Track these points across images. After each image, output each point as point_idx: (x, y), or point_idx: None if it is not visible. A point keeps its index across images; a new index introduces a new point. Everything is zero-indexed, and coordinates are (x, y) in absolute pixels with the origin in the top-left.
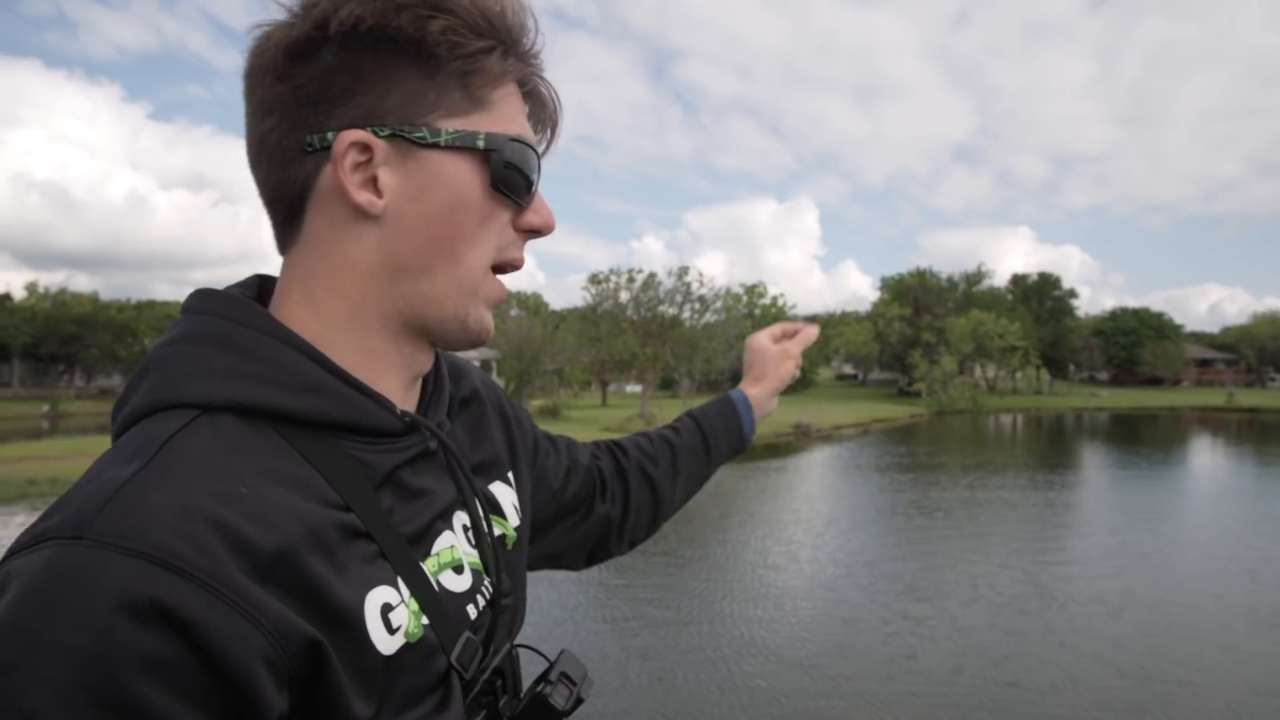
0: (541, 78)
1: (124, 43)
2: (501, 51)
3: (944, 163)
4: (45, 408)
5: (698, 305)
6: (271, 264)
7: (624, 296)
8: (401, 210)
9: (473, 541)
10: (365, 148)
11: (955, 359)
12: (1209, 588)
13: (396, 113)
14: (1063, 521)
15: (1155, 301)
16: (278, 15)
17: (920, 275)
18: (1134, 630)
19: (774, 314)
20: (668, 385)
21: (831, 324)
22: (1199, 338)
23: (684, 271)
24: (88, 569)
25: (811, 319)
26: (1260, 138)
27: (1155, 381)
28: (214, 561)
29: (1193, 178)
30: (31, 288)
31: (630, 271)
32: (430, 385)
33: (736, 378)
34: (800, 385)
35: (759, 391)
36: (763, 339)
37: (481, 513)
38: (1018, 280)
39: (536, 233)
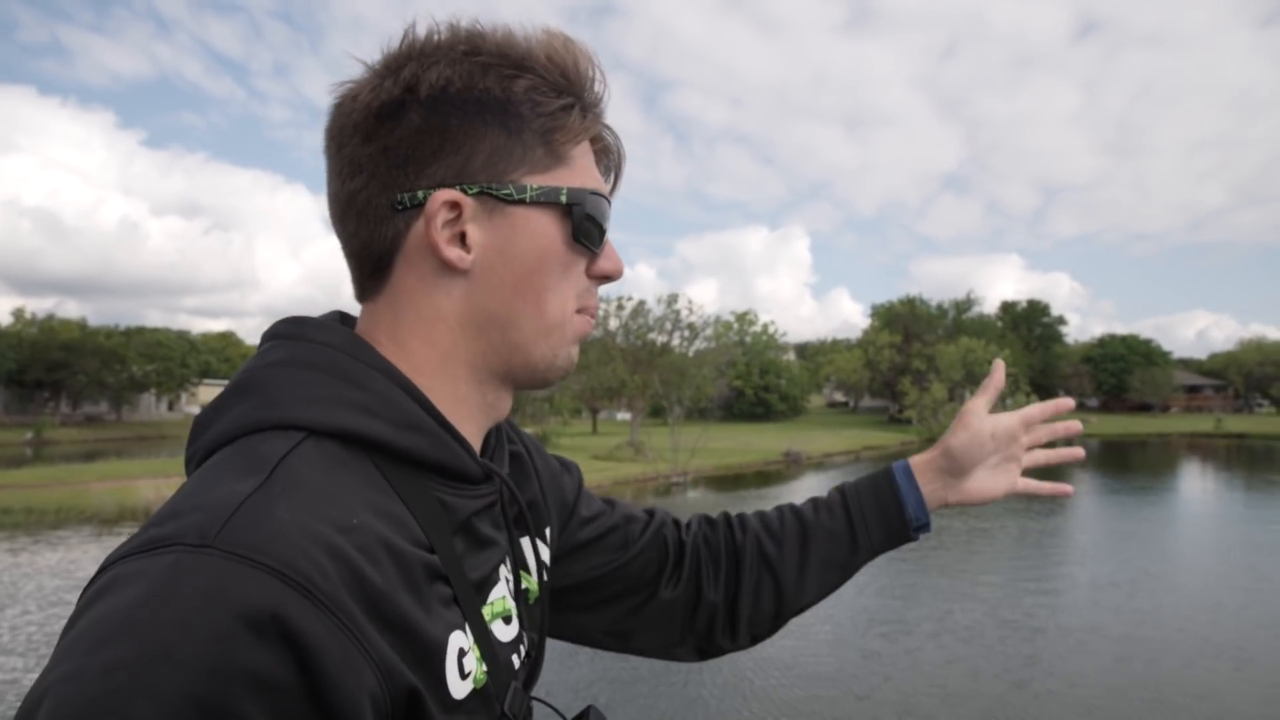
0: (609, 128)
1: (119, 70)
2: (580, 108)
3: (934, 191)
4: (29, 434)
5: (687, 333)
6: (265, 291)
7: (613, 324)
8: (489, 264)
9: (514, 593)
10: (455, 205)
11: (945, 386)
12: (1176, 621)
13: (484, 171)
14: (1041, 553)
15: (1144, 328)
16: (359, 72)
17: (910, 303)
18: (1095, 666)
19: (764, 341)
20: (657, 413)
21: (822, 351)
22: (1187, 364)
23: (674, 299)
24: (214, 579)
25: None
26: (1245, 168)
27: (1144, 408)
28: (335, 588)
29: (1179, 207)
30: (18, 313)
31: (620, 299)
32: (493, 437)
33: (727, 406)
34: (791, 413)
35: (934, 457)
36: (984, 414)
37: (526, 562)
38: (1007, 307)
39: (608, 278)
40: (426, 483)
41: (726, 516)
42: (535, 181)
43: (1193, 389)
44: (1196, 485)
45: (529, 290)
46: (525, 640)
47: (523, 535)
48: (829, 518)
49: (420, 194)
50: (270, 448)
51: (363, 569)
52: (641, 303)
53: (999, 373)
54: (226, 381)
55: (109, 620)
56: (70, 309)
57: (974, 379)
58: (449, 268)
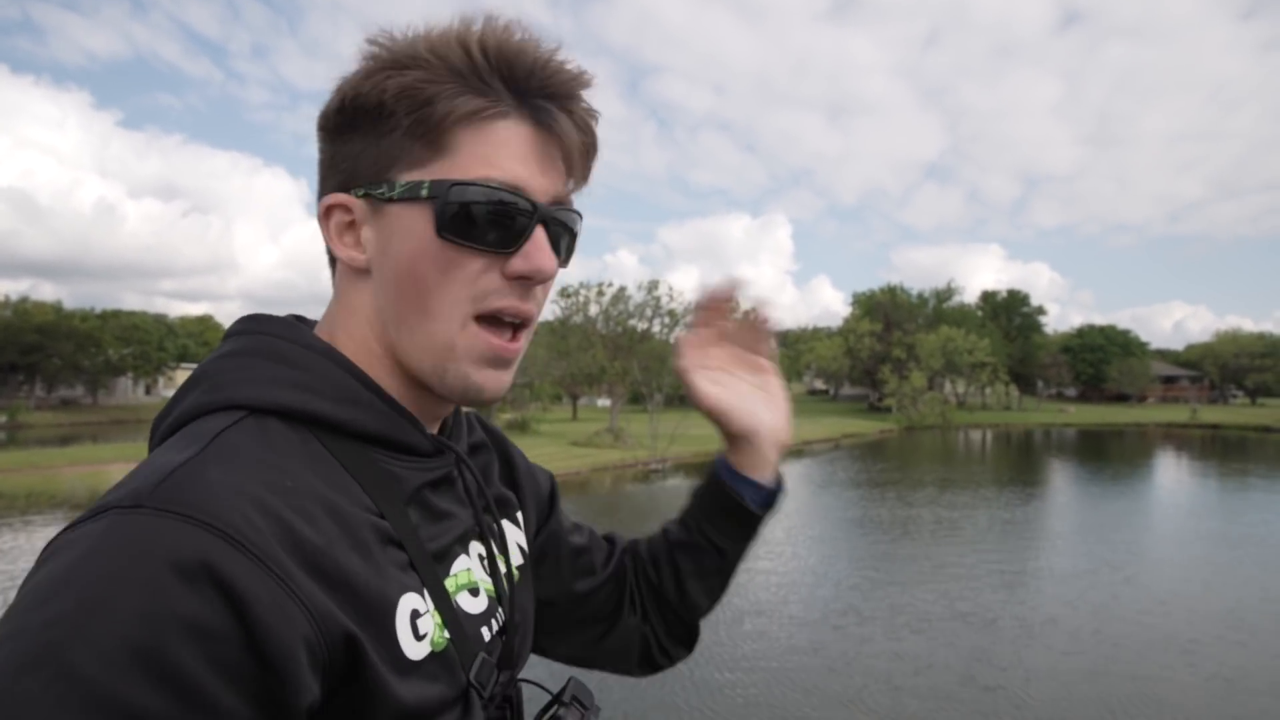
0: (544, 107)
1: (94, 49)
2: (473, 93)
3: (916, 180)
4: (3, 418)
5: (667, 319)
6: (243, 274)
7: (593, 310)
8: (379, 264)
9: (487, 570)
10: (346, 209)
11: (925, 375)
12: (1129, 614)
13: (368, 173)
14: (1005, 544)
15: (1122, 319)
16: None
17: (891, 291)
18: (1044, 660)
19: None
20: (637, 399)
21: (803, 339)
22: (1164, 355)
23: (654, 285)
24: (145, 533)
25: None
26: (1222, 161)
27: (1121, 398)
28: (265, 540)
29: (1158, 199)
30: None
31: (600, 285)
32: (450, 423)
33: None
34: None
35: (722, 435)
36: (693, 354)
37: (497, 539)
38: (987, 297)
39: (526, 278)
40: (371, 454)
41: (628, 544)
42: (407, 177)
43: (1169, 380)
44: (1169, 476)
45: (409, 290)
46: (499, 616)
47: (488, 515)
48: (683, 533)
49: (320, 200)
50: (210, 425)
51: (295, 525)
52: (622, 289)
53: (717, 295)
54: None
55: (49, 581)
56: (45, 291)
57: (954, 368)
58: (351, 267)
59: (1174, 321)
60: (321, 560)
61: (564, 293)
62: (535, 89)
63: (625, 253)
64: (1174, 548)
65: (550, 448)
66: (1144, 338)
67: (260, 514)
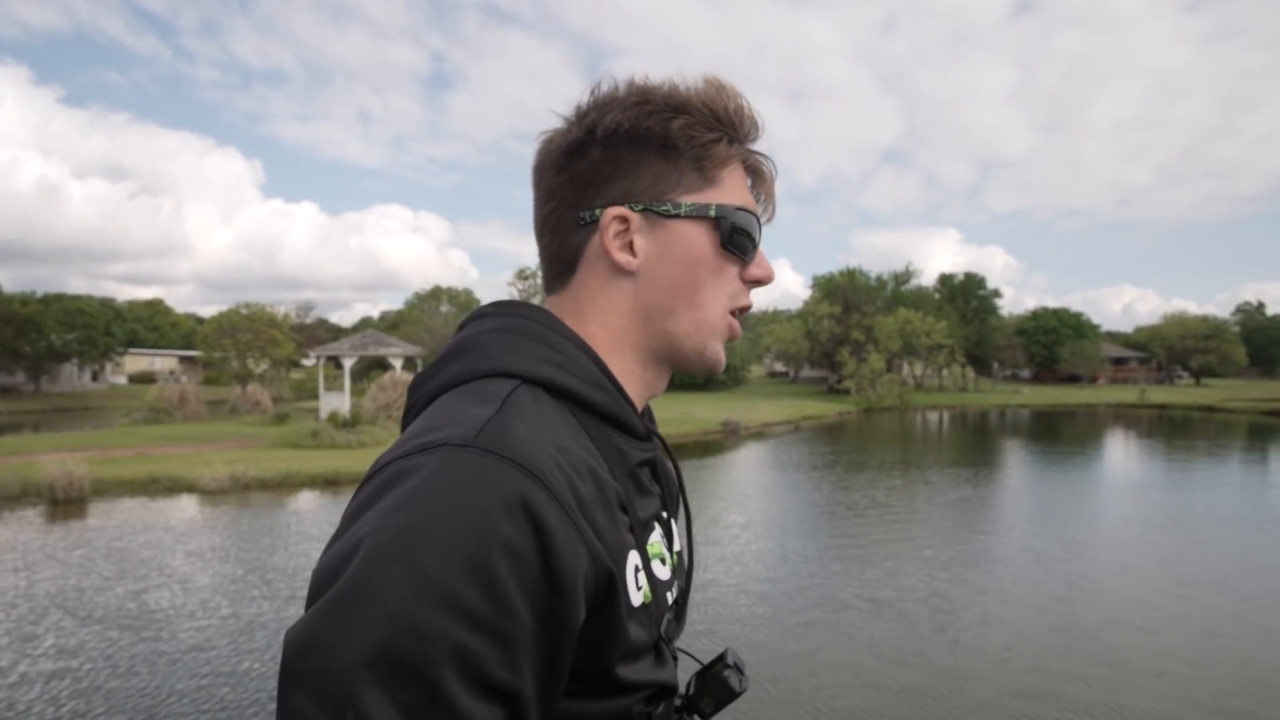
0: (761, 155)
1: (31, 22)
2: (727, 140)
3: (873, 165)
4: None
5: None
6: (196, 257)
7: None
8: (651, 267)
9: (668, 547)
10: (624, 220)
11: (883, 357)
12: (1082, 594)
13: (647, 192)
14: (962, 524)
15: (1074, 302)
16: (558, 124)
17: (850, 274)
18: (997, 639)
19: None
20: None
21: (763, 322)
22: (1114, 337)
23: None
24: (477, 468)
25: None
26: (1169, 148)
27: (1074, 379)
28: (562, 487)
29: (1108, 184)
30: None
31: None
32: (647, 415)
33: None
34: (731, 382)
35: None
36: None
37: (686, 519)
38: (944, 280)
39: (759, 282)
40: (608, 431)
41: None
42: (689, 199)
43: (1119, 361)
44: (1118, 454)
45: (685, 289)
46: (675, 587)
47: (663, 507)
48: None
49: (597, 211)
50: (497, 388)
51: (574, 479)
52: None
53: None
54: (155, 351)
55: (403, 495)
56: None
57: (912, 350)
58: (620, 269)
59: (1123, 304)
60: (590, 511)
61: (521, 274)
62: (751, 138)
63: None
64: (1119, 526)
65: None
66: (1095, 320)
67: (555, 466)
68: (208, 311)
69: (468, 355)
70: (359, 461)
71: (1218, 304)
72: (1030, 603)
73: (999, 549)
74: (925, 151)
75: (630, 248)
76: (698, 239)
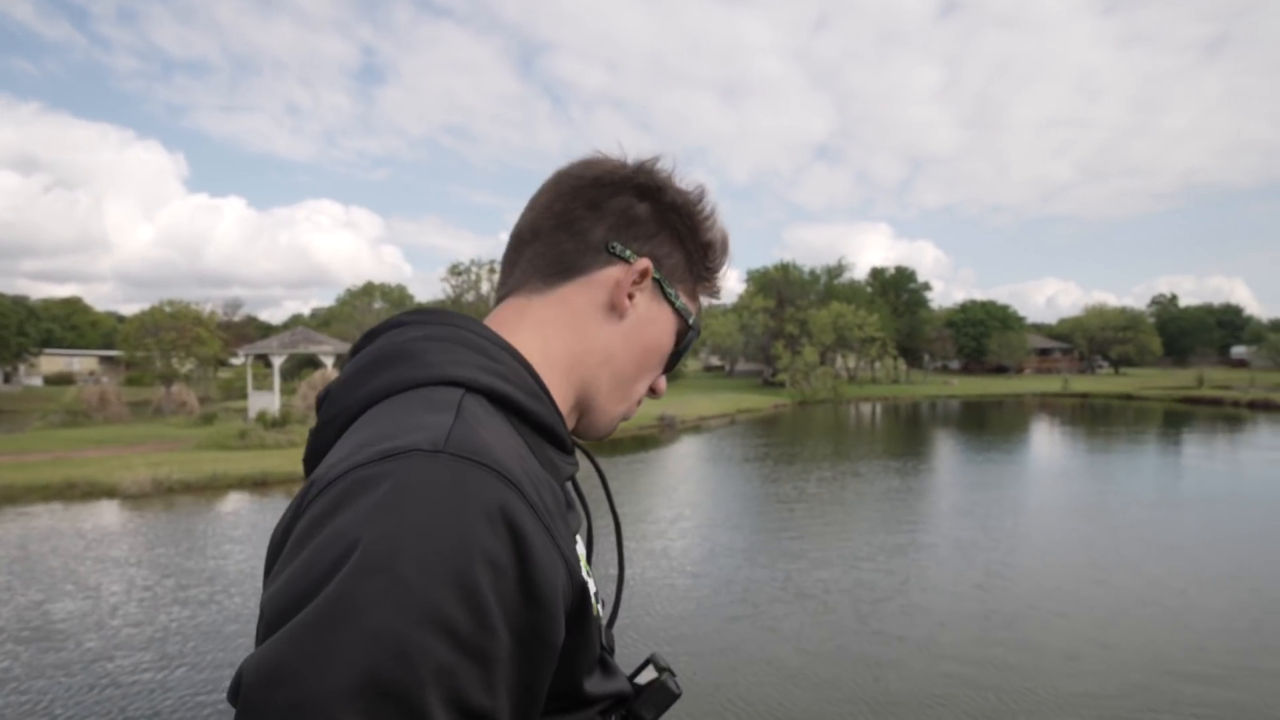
0: (718, 291)
1: None
2: (718, 281)
3: (806, 161)
4: None
5: None
6: (117, 254)
7: (485, 288)
8: (635, 326)
9: (589, 562)
10: (645, 274)
11: (817, 350)
12: (1000, 582)
13: (667, 270)
14: (889, 514)
15: (1000, 294)
16: (612, 155)
17: (784, 268)
18: (918, 630)
19: None
20: None
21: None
22: (1039, 328)
23: None
24: (455, 474)
25: None
26: (1088, 146)
27: (1001, 369)
28: (534, 493)
29: (1032, 181)
30: None
31: (492, 263)
32: None
33: None
34: (668, 377)
35: None
36: None
37: (616, 528)
38: (876, 274)
39: (654, 392)
40: (543, 443)
41: None
42: (683, 298)
43: (1044, 352)
44: (1042, 443)
45: (641, 362)
46: (600, 599)
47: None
48: None
49: (629, 253)
50: (445, 395)
51: (539, 488)
52: None
53: None
54: (73, 351)
55: (375, 504)
56: None
57: (845, 343)
58: (613, 310)
59: (1047, 297)
60: (556, 521)
61: (454, 270)
62: (720, 282)
63: None
64: (1031, 517)
65: None
66: (1021, 312)
67: (524, 473)
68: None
69: (401, 364)
70: (290, 462)
71: (1134, 296)
72: (951, 591)
73: (924, 539)
74: (857, 148)
75: (631, 299)
76: (669, 332)
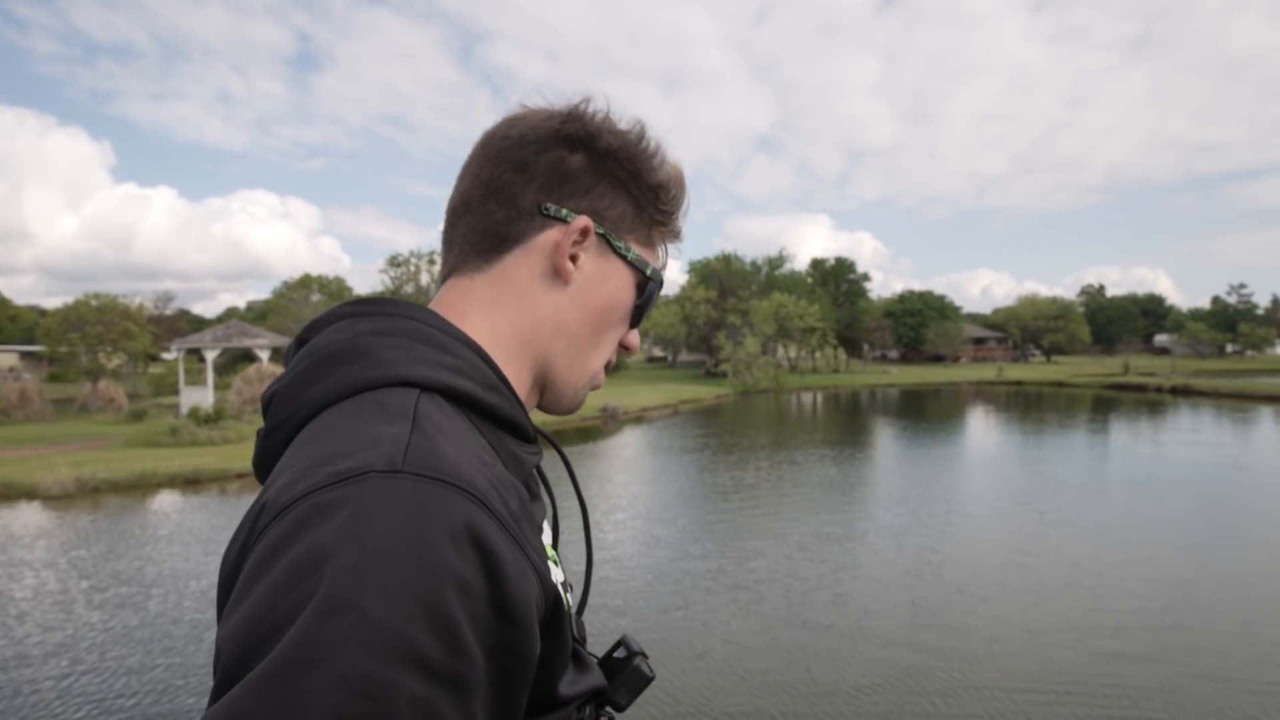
0: (680, 237)
1: None
2: (679, 221)
3: (748, 152)
4: None
5: None
6: (38, 245)
7: (425, 279)
8: (583, 289)
9: (553, 545)
10: (585, 232)
11: (758, 340)
12: (929, 567)
13: (612, 222)
14: (824, 503)
15: (937, 285)
16: (541, 103)
17: (726, 259)
18: (847, 618)
19: None
20: None
21: None
22: (974, 318)
23: None
24: (415, 496)
25: None
26: (1021, 140)
27: (938, 358)
28: (504, 508)
29: (967, 173)
30: None
31: (432, 254)
32: None
33: None
34: (611, 368)
35: None
36: None
37: (583, 513)
38: (816, 264)
39: (626, 349)
40: (504, 437)
41: None
42: (636, 249)
43: (979, 341)
44: (977, 430)
45: (596, 325)
46: (569, 587)
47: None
48: None
49: (566, 212)
50: (400, 399)
51: (505, 496)
52: None
53: None
54: None
55: (333, 535)
56: None
57: (786, 333)
58: (557, 275)
59: (982, 287)
60: (524, 528)
61: (393, 261)
62: (682, 220)
63: None
64: (962, 503)
65: None
66: (957, 302)
67: (489, 484)
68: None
69: (351, 363)
70: (223, 459)
71: (1064, 286)
72: (881, 578)
73: (857, 527)
74: (797, 140)
75: (574, 260)
76: (625, 287)
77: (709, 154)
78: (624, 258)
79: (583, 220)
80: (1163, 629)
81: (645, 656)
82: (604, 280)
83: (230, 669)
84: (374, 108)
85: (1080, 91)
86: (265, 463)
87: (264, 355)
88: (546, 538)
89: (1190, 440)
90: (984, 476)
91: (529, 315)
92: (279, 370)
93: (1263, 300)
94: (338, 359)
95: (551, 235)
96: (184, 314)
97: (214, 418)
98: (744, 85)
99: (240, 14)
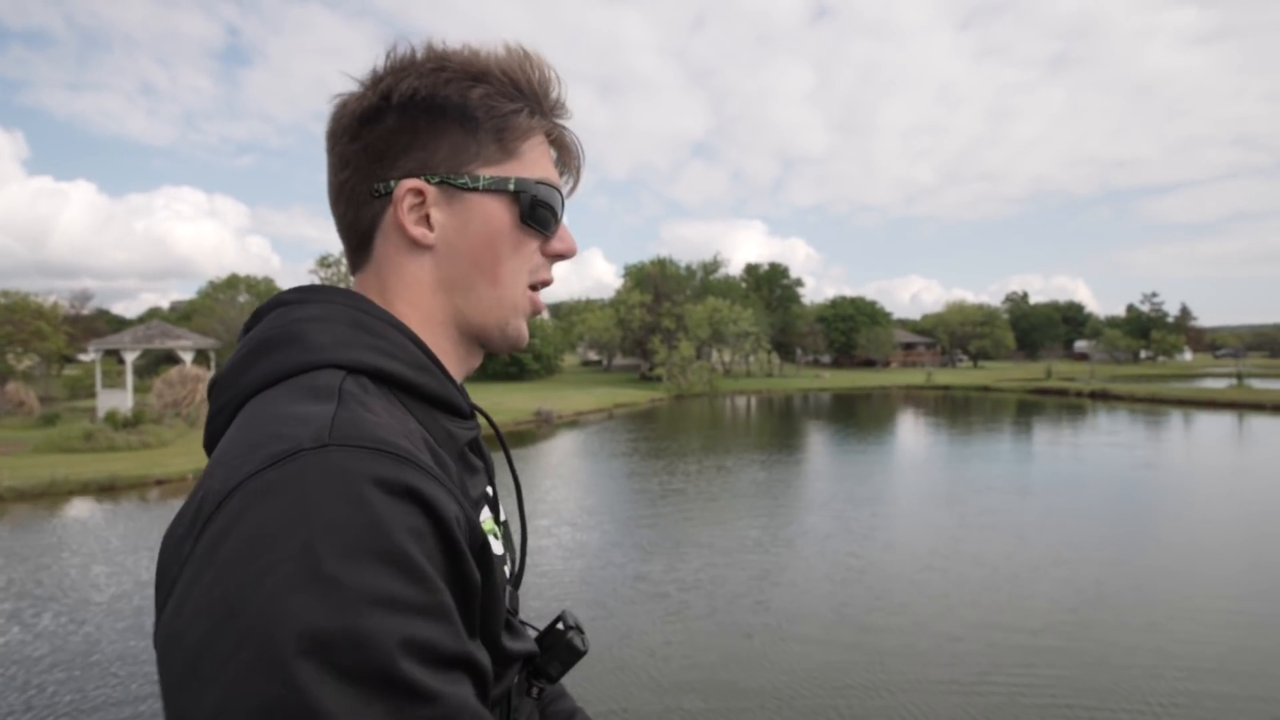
0: (566, 129)
1: None
2: (529, 111)
3: (683, 158)
4: None
5: None
6: None
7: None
8: (450, 241)
9: (497, 521)
10: (419, 192)
11: (693, 344)
12: (851, 572)
13: (444, 164)
14: (751, 508)
15: (869, 291)
16: (353, 87)
17: (661, 264)
18: (763, 621)
19: None
20: None
21: (576, 311)
22: (904, 323)
23: None
24: (347, 464)
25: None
26: (948, 152)
27: (869, 363)
28: (431, 463)
29: (897, 183)
30: None
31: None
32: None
33: (479, 365)
34: (545, 372)
35: None
36: None
37: (517, 491)
38: (751, 270)
39: (561, 256)
40: (435, 414)
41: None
42: (488, 173)
43: (909, 346)
44: (906, 434)
45: (485, 264)
46: (509, 560)
47: (487, 482)
48: None
49: (391, 183)
50: (326, 380)
51: (431, 454)
52: None
53: None
54: None
55: (277, 516)
56: None
57: (720, 337)
58: (416, 244)
59: (911, 294)
60: (450, 477)
61: (324, 261)
62: (558, 112)
63: None
64: (887, 507)
65: None
66: (887, 308)
67: (413, 444)
68: None
69: (284, 348)
70: (142, 464)
71: (990, 293)
72: (803, 584)
73: (782, 532)
74: (732, 146)
75: (427, 221)
76: (497, 213)
77: (646, 159)
78: (475, 189)
79: (406, 184)
80: (1073, 628)
81: (581, 631)
82: (466, 222)
83: (193, 652)
84: (306, 105)
85: (1004, 106)
86: (212, 444)
87: (187, 357)
88: (486, 513)
89: (1107, 442)
90: (910, 480)
91: (417, 291)
92: (202, 372)
93: (1173, 309)
94: (271, 345)
95: (390, 212)
96: (103, 314)
97: (133, 421)
98: (681, 92)
99: (165, 4)
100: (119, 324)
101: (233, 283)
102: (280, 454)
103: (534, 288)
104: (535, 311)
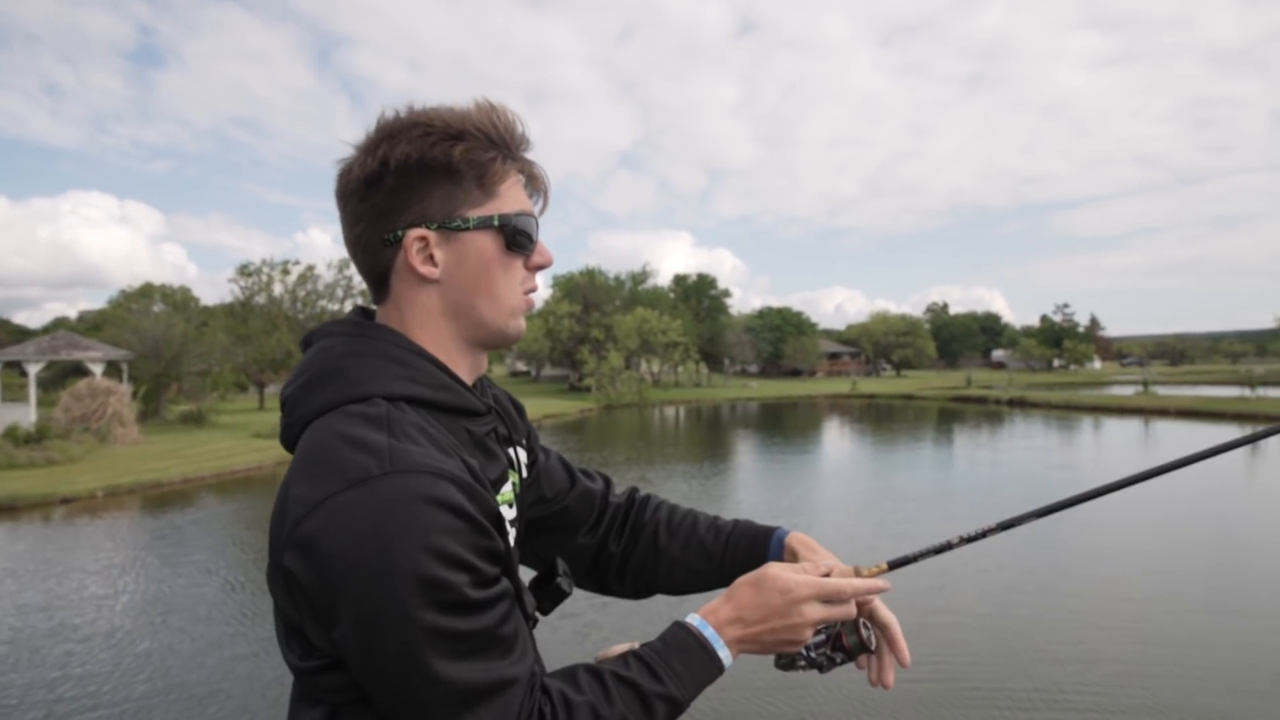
0: (533, 163)
1: None
2: (502, 157)
3: (611, 169)
4: None
5: (361, 300)
6: None
7: (278, 290)
8: (451, 274)
9: (516, 490)
10: (423, 239)
11: (622, 355)
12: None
13: (439, 212)
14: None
15: (794, 301)
16: (350, 153)
17: (590, 274)
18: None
19: None
20: None
21: None
22: (829, 334)
23: (345, 264)
24: (407, 486)
25: None
26: (870, 165)
27: (796, 373)
28: (464, 473)
29: (821, 195)
30: None
31: (285, 263)
32: (478, 385)
33: None
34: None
35: (802, 546)
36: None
37: (520, 477)
38: (679, 280)
39: (541, 267)
40: (457, 420)
41: (646, 497)
42: (475, 213)
43: (834, 355)
44: (832, 442)
45: (482, 286)
46: (519, 522)
47: (508, 447)
48: (713, 540)
49: (399, 233)
50: (376, 411)
51: (465, 472)
52: (310, 268)
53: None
54: None
55: (364, 529)
56: None
57: (649, 347)
58: (425, 280)
59: (836, 304)
60: (479, 480)
61: (244, 271)
62: (524, 148)
63: (318, 231)
64: (809, 516)
65: (227, 441)
66: (813, 318)
67: (448, 463)
68: None
69: (335, 382)
70: (46, 482)
71: (912, 304)
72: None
73: None
74: (659, 157)
75: (432, 260)
76: (487, 245)
77: (573, 169)
78: (467, 229)
79: (412, 234)
80: (992, 631)
81: (569, 576)
82: (463, 256)
83: (331, 592)
84: (224, 110)
85: (924, 121)
86: (288, 443)
87: (97, 369)
88: (507, 486)
89: (1024, 447)
90: (831, 488)
91: (428, 317)
92: (113, 385)
93: (1083, 319)
94: (323, 379)
95: (402, 256)
96: (3, 324)
97: (36, 437)
98: (607, 102)
99: (70, 0)
100: (21, 334)
101: (147, 291)
102: (351, 479)
103: (526, 293)
104: (526, 307)
